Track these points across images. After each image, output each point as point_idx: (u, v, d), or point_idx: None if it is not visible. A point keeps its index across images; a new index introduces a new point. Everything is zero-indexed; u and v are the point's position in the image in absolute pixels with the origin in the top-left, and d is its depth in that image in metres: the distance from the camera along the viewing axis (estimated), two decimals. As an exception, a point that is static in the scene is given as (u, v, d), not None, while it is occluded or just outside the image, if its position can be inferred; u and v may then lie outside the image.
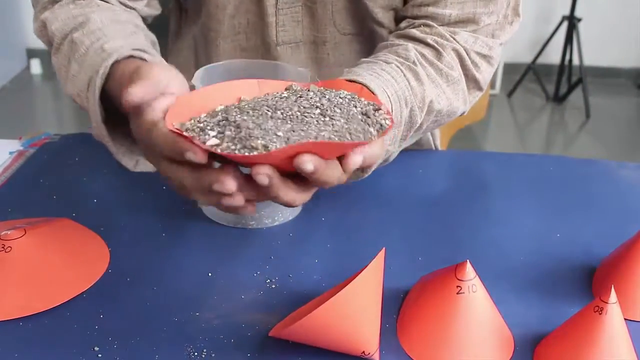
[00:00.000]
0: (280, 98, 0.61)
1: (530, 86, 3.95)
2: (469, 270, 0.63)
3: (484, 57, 0.84)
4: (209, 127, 0.55)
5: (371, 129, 0.56)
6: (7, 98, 3.64)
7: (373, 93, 0.67)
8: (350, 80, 0.68)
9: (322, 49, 0.91)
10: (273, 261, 0.76)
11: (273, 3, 0.87)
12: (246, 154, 0.51)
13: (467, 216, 0.86)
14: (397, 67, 0.74)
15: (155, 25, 0.90)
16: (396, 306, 0.70)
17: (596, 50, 3.96)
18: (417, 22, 0.82)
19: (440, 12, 0.81)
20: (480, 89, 0.85)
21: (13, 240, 0.70)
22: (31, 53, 4.02)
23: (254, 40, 0.91)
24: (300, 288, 0.72)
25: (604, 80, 4.08)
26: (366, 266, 0.58)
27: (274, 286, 0.72)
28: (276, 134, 0.53)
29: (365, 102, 0.60)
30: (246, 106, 0.58)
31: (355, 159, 0.55)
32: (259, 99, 0.61)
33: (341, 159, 0.55)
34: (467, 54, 0.82)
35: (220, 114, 0.57)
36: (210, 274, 0.73)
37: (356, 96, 0.61)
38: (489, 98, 3.04)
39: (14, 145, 1.01)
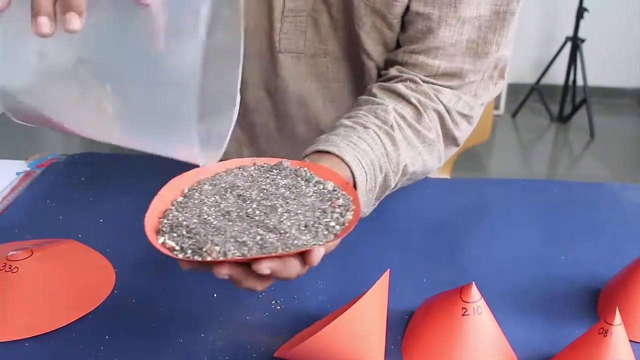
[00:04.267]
0: (259, 189, 0.64)
1: (535, 106, 3.96)
2: (475, 292, 0.63)
3: (465, 116, 0.87)
4: (165, 229, 0.59)
5: (336, 227, 0.59)
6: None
7: (350, 168, 0.71)
8: (327, 152, 0.72)
9: (322, 61, 0.92)
10: (278, 282, 0.75)
11: (280, 9, 0.88)
12: (198, 259, 0.55)
13: (472, 238, 0.86)
14: (375, 132, 0.77)
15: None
16: (401, 327, 0.70)
17: (600, 70, 3.98)
18: (405, 75, 0.84)
19: (430, 62, 0.83)
20: (457, 145, 0.89)
21: (20, 261, 0.70)
22: (38, 73, 4.04)
23: (259, 44, 0.92)
24: (305, 309, 0.72)
25: (608, 100, 4.09)
26: (371, 287, 0.58)
27: (278, 307, 0.72)
28: (237, 240, 0.56)
29: (341, 200, 0.62)
30: (218, 209, 0.61)
31: (317, 256, 0.57)
32: (232, 199, 0.63)
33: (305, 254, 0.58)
34: (449, 113, 0.84)
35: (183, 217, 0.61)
36: (215, 295, 0.74)
37: (337, 189, 0.64)
38: (493, 119, 3.05)
39: (21, 165, 1.02)
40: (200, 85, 0.53)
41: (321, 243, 0.57)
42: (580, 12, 3.61)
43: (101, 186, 0.94)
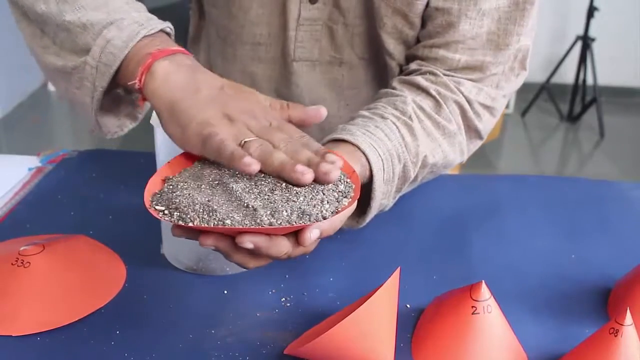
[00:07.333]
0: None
1: (544, 105, 3.95)
2: (485, 291, 0.63)
3: (487, 107, 0.86)
4: (157, 198, 0.60)
5: (328, 210, 0.58)
6: (26, 114, 3.68)
7: (366, 156, 0.70)
8: (343, 140, 0.71)
9: (337, 70, 0.92)
10: (288, 279, 0.76)
11: (295, 17, 0.88)
12: (181, 223, 0.56)
13: (482, 237, 0.86)
14: (393, 122, 0.76)
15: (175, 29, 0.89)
16: (411, 325, 0.70)
17: (610, 69, 3.96)
18: (424, 68, 0.84)
19: (450, 56, 0.83)
20: (481, 138, 0.87)
21: (32, 255, 0.71)
22: (48, 70, 4.05)
23: (273, 52, 0.92)
24: (315, 306, 0.72)
25: (618, 99, 4.08)
26: (381, 285, 0.58)
27: (289, 304, 0.72)
28: (226, 212, 0.56)
29: (342, 187, 0.61)
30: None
31: (312, 235, 0.57)
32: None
33: (298, 233, 0.57)
34: (470, 105, 0.83)
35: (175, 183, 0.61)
36: (225, 292, 0.74)
37: (343, 176, 0.63)
38: (503, 117, 3.04)
39: (33, 161, 1.02)
40: None
41: (307, 223, 0.56)
42: (591, 11, 3.60)
43: (112, 182, 0.95)
